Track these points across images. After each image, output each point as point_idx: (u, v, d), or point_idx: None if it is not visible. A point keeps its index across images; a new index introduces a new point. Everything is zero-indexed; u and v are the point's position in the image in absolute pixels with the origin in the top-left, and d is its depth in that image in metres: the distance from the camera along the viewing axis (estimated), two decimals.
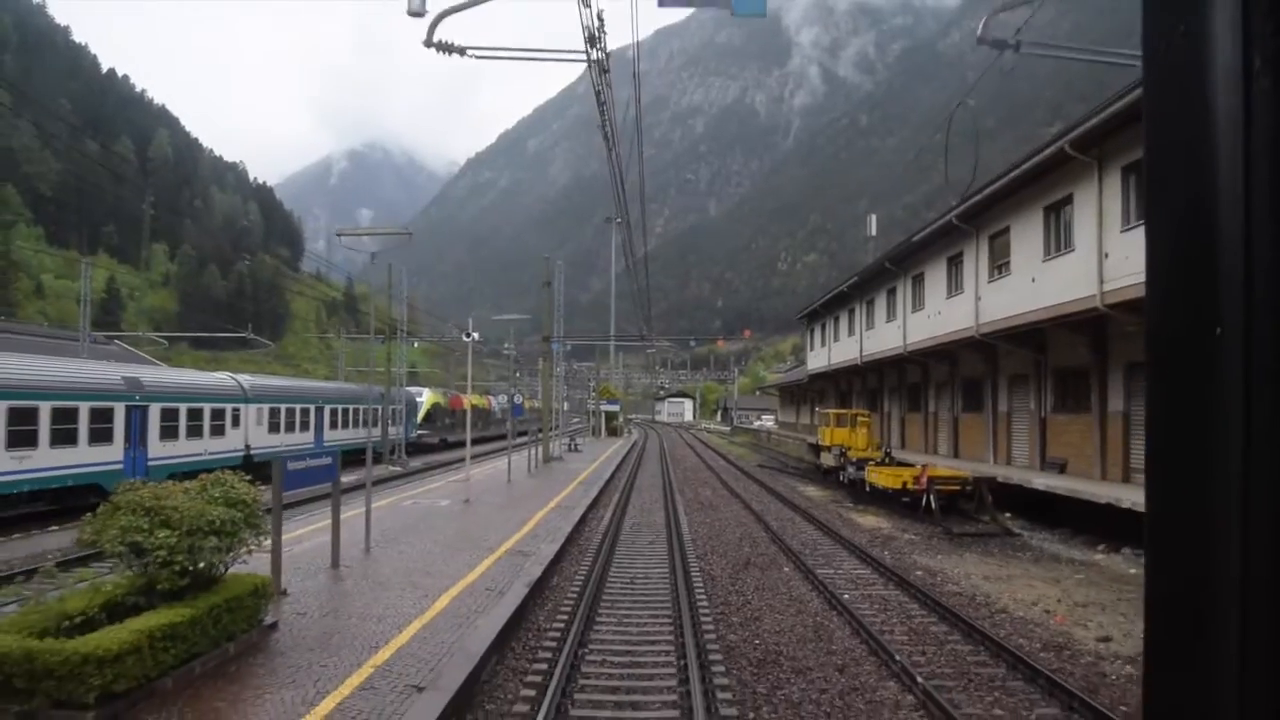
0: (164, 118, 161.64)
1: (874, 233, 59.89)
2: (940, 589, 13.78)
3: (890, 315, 34.10)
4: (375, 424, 39.72)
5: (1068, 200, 19.63)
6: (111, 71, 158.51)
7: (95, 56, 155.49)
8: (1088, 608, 12.85)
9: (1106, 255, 17.73)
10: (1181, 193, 0.79)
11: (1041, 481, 20.99)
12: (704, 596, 12.68)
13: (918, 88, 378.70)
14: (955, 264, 27.04)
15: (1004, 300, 23.09)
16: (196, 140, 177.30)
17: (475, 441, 54.77)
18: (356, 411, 38.41)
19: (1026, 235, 21.85)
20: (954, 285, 27.18)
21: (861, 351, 38.23)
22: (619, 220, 29.62)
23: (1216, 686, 0.74)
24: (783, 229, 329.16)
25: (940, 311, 28.07)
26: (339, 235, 15.91)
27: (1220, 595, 0.73)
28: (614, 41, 9.08)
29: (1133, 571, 16.10)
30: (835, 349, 44.32)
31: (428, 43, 6.77)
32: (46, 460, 18.57)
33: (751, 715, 8.05)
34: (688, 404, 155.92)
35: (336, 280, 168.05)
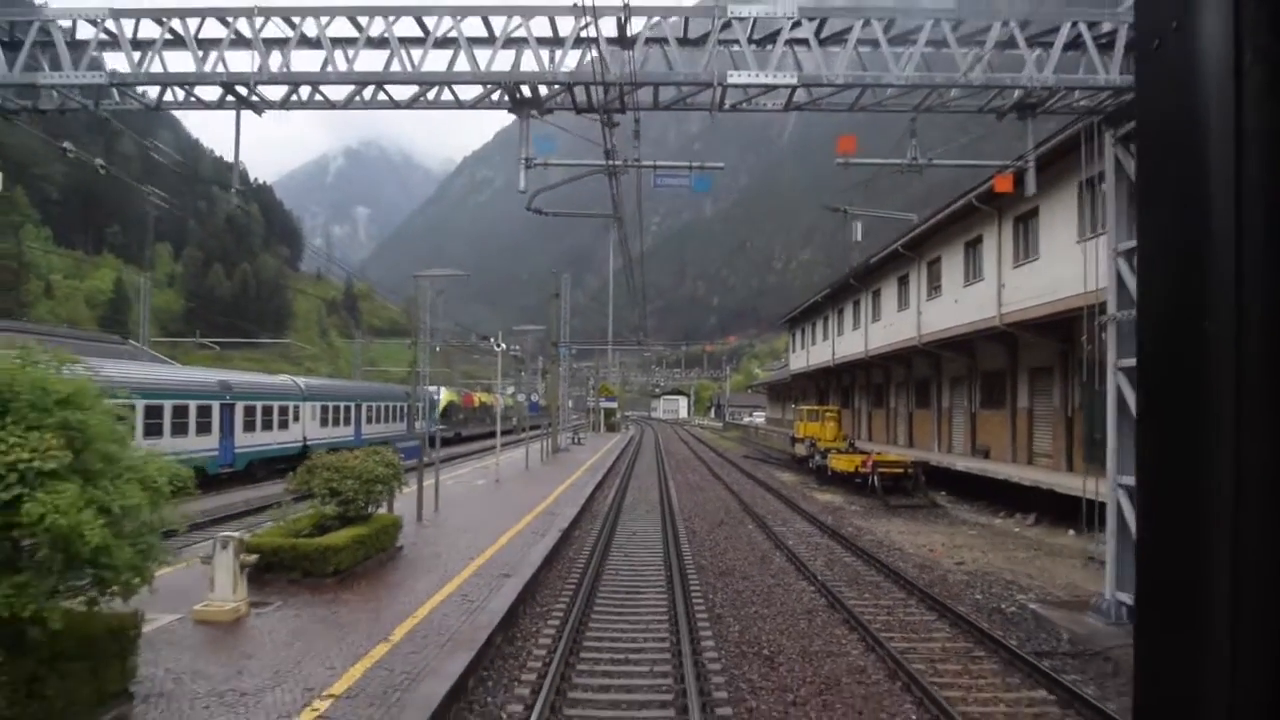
0: (165, 119, 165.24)
1: (859, 238, 64.56)
2: (860, 538, 18.66)
3: (855, 324, 39.04)
4: (401, 419, 44.61)
5: (979, 240, 24.56)
6: (113, 73, 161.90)
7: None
8: (961, 548, 17.80)
9: (1004, 285, 22.65)
10: (1173, 187, 0.80)
11: (963, 464, 25.93)
12: (686, 542, 17.55)
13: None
14: (903, 283, 31.97)
15: (938, 316, 28.02)
16: (197, 141, 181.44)
17: (481, 436, 59.63)
18: (387, 408, 43.32)
19: (953, 264, 26.79)
20: (902, 301, 32.12)
21: (834, 354, 43.15)
22: (618, 217, 33.97)
23: (1206, 684, 0.73)
24: (778, 227, 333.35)
25: (893, 323, 32.99)
26: (415, 277, 20.72)
27: (1211, 589, 0.73)
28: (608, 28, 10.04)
29: (1016, 530, 21.03)
30: (813, 352, 49.23)
31: (528, 208, 11.52)
32: (168, 448, 23.20)
33: (711, 599, 12.92)
34: (682, 401, 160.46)
35: (335, 280, 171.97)
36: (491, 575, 12.44)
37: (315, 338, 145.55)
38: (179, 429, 23.93)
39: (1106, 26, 10.57)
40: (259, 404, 28.83)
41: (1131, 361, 11.10)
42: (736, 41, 10.61)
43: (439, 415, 52.52)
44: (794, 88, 10.42)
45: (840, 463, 29.39)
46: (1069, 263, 18.52)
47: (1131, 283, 11.21)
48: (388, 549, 13.31)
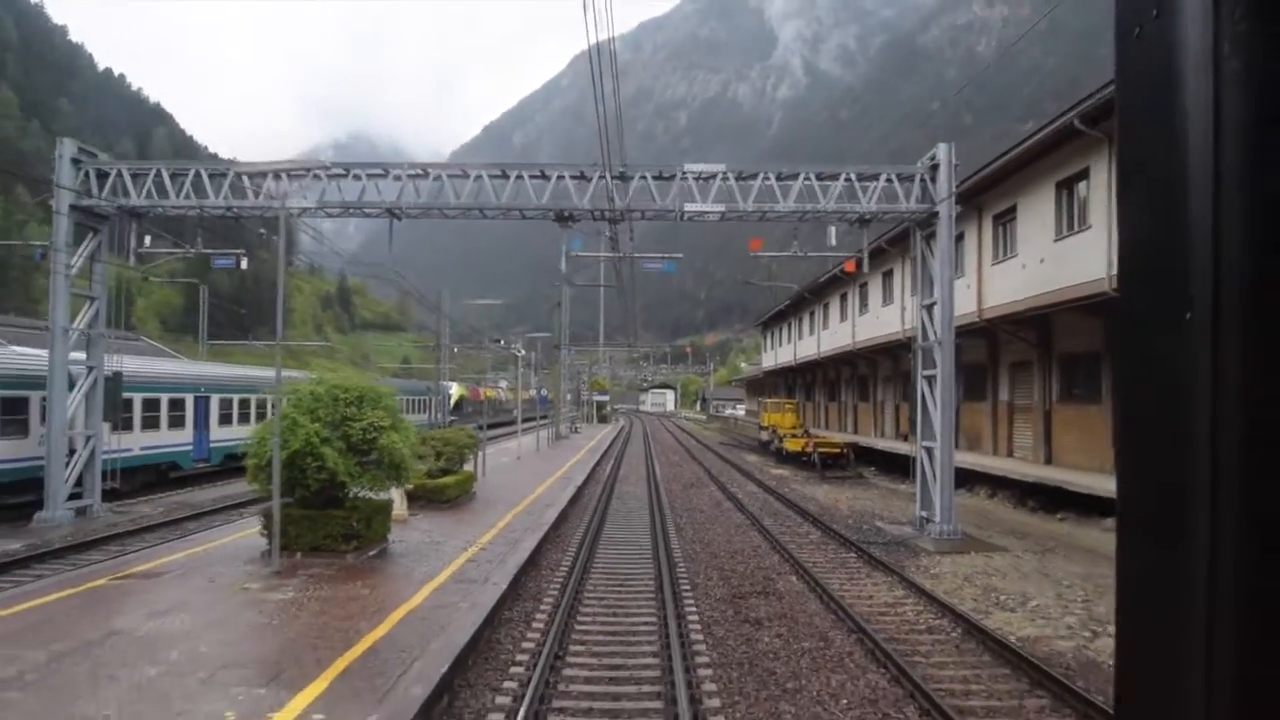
0: (160, 115, 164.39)
1: (834, 242, 71.97)
2: (790, 495, 25.96)
3: (811, 330, 46.45)
4: (424, 410, 51.71)
5: (891, 272, 31.91)
6: (108, 70, 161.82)
7: (91, 55, 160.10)
8: (860, 499, 25.19)
9: (905, 309, 29.97)
10: (1151, 175, 0.81)
11: (883, 445, 33.37)
12: (665, 494, 24.86)
13: (897, 82, 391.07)
14: (844, 299, 39.38)
15: (868, 328, 35.39)
16: (191, 137, 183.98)
17: (492, 425, 66.70)
18: (414, 401, 50.52)
19: (875, 289, 34.15)
20: (843, 314, 39.51)
21: (795, 355, 50.55)
22: (620, 289, 40.77)
23: (1184, 668, 0.75)
24: (765, 222, 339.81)
25: (837, 331, 40.41)
26: (464, 302, 27.76)
27: (1189, 575, 0.74)
28: (599, 34, 16.35)
29: (911, 491, 28.34)
30: (780, 352, 56.63)
31: (566, 282, 18.44)
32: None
33: (678, 521, 20.18)
34: (670, 394, 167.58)
35: (328, 276, 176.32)
36: (539, 506, 19.72)
37: (312, 332, 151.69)
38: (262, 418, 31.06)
39: (908, 173, 17.89)
40: None
41: (929, 371, 18.44)
42: (689, 179, 17.90)
43: (452, 408, 59.77)
44: (724, 213, 17.73)
45: (791, 444, 36.74)
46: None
47: (930, 328, 18.52)
48: (469, 492, 20.59)
